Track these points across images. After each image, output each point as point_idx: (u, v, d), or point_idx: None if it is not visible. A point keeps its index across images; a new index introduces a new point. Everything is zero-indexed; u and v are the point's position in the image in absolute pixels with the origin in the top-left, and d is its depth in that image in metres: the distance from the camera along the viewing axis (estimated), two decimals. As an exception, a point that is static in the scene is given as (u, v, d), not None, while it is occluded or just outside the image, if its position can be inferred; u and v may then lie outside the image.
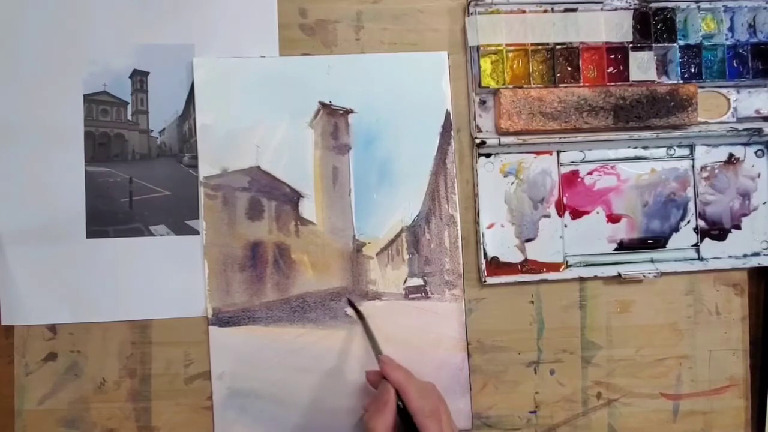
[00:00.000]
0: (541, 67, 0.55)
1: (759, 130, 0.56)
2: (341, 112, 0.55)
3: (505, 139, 0.54)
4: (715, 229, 0.57)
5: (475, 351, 0.55)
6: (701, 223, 0.57)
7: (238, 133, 0.54)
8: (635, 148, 0.57)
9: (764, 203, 0.58)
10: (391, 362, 0.47)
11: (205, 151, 0.54)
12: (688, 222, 0.57)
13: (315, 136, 0.55)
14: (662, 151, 0.57)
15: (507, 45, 0.55)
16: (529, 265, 0.56)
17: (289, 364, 0.53)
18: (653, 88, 0.55)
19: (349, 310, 0.54)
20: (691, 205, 0.57)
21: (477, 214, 0.55)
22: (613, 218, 0.57)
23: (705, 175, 0.57)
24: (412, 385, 0.45)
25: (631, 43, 0.56)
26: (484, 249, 0.55)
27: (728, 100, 0.57)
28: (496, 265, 0.55)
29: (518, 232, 0.56)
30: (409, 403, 0.44)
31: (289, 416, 0.53)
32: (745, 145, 0.58)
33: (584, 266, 0.56)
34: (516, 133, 0.55)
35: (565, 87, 0.55)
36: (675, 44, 0.56)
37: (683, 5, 0.56)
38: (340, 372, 0.53)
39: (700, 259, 0.57)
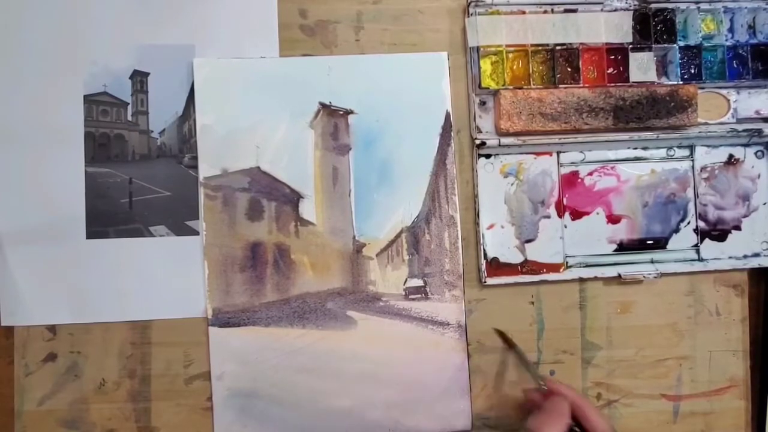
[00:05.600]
0: (541, 67, 0.55)
1: (759, 131, 0.56)
2: (341, 112, 0.55)
3: (505, 140, 0.54)
4: (715, 230, 0.57)
5: (475, 351, 0.55)
6: (701, 224, 0.57)
7: (238, 133, 0.54)
8: (635, 148, 0.57)
9: (764, 204, 0.58)
10: (560, 382, 0.48)
11: (205, 151, 0.54)
12: (688, 223, 0.57)
13: (315, 137, 0.55)
14: (662, 152, 0.57)
15: (507, 46, 0.55)
16: (529, 266, 0.56)
17: (289, 364, 0.53)
18: (653, 89, 0.55)
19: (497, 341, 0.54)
20: (691, 206, 0.57)
21: (477, 215, 0.55)
22: (613, 219, 0.57)
23: (705, 175, 0.57)
24: (590, 404, 0.45)
25: (630, 44, 0.56)
26: (484, 250, 0.55)
27: (728, 100, 0.57)
28: (496, 266, 0.55)
29: (518, 233, 0.56)
30: (589, 420, 0.44)
31: (289, 417, 0.53)
32: (745, 146, 0.58)
33: (584, 267, 0.56)
34: (516, 134, 0.55)
35: (565, 88, 0.55)
36: (675, 45, 0.56)
37: (683, 6, 0.56)
38: (340, 372, 0.53)
39: (700, 259, 0.57)
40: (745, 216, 0.58)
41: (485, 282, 0.55)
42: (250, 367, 0.53)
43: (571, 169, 0.57)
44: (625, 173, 0.57)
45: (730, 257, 0.57)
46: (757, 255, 0.57)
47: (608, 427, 0.44)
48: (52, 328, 0.53)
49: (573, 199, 0.57)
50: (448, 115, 0.55)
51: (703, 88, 0.57)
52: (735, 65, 0.57)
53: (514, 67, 0.55)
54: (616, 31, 0.55)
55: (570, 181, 0.56)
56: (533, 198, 0.56)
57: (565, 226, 0.56)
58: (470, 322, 0.55)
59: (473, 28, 0.54)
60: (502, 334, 0.54)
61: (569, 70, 0.55)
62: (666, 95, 0.55)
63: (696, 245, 0.57)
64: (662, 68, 0.57)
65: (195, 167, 0.54)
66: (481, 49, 0.54)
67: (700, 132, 0.56)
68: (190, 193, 0.54)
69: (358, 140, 0.55)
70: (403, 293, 0.55)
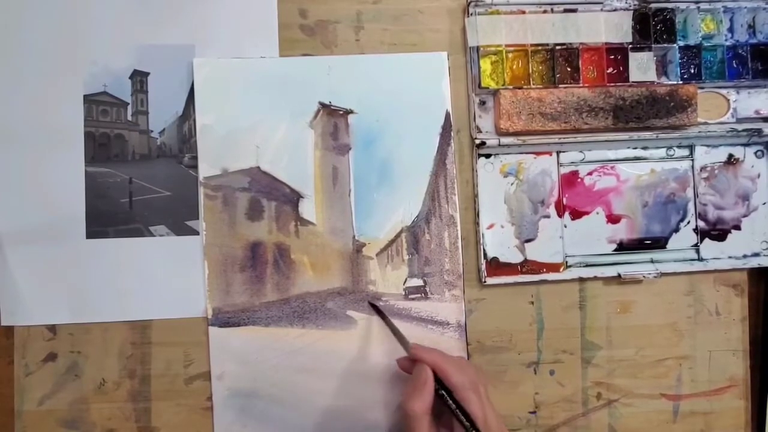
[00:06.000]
0: (540, 67, 0.56)
1: (759, 131, 0.56)
2: (341, 112, 0.55)
3: (504, 140, 0.54)
4: (715, 230, 0.57)
5: (475, 351, 0.55)
6: (701, 224, 0.57)
7: (238, 133, 0.54)
8: (635, 148, 0.57)
9: (764, 204, 0.58)
10: (421, 346, 0.47)
11: (205, 151, 0.54)
12: (688, 222, 0.57)
13: (315, 137, 0.55)
14: (662, 152, 0.57)
15: (507, 45, 0.55)
16: (528, 266, 0.56)
17: (289, 364, 0.53)
18: (653, 89, 0.55)
19: (369, 312, 0.54)
20: (690, 206, 0.57)
21: (477, 215, 0.55)
22: (612, 219, 0.57)
23: (705, 175, 0.58)
24: (449, 362, 0.45)
25: (630, 43, 0.56)
26: (483, 249, 0.55)
27: (728, 100, 0.57)
28: (496, 266, 0.55)
29: (518, 233, 0.56)
30: (449, 379, 0.44)
31: (289, 417, 0.53)
32: (745, 145, 0.58)
33: (584, 267, 0.56)
34: (516, 134, 0.55)
35: (565, 87, 0.55)
36: (674, 45, 0.56)
37: (683, 6, 0.56)
38: (340, 372, 0.53)
39: (700, 259, 0.57)
40: (745, 216, 0.58)
41: (485, 282, 0.55)
42: (250, 367, 0.53)
43: (570, 168, 0.57)
44: (625, 173, 0.57)
45: (730, 257, 0.57)
46: (756, 255, 0.57)
47: (468, 381, 0.44)
48: (52, 328, 0.53)
49: (573, 198, 0.57)
50: (448, 115, 0.55)
51: (702, 87, 0.57)
52: (735, 65, 0.57)
53: (514, 66, 0.55)
54: (615, 31, 0.55)
55: (570, 180, 0.57)
56: (533, 198, 0.56)
57: (565, 226, 0.56)
58: (470, 322, 0.55)
59: (473, 28, 0.54)
60: (373, 305, 0.54)
61: (569, 69, 0.55)
62: (666, 95, 0.55)
63: (696, 245, 0.57)
64: (662, 68, 0.57)
65: (195, 167, 0.54)
66: (481, 48, 0.54)
67: (699, 132, 0.56)
68: (190, 193, 0.54)
69: (358, 140, 0.55)
70: (403, 293, 0.55)
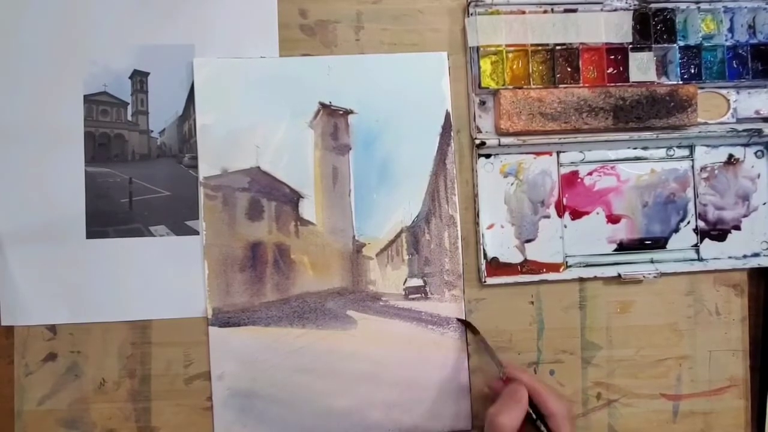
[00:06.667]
0: (540, 67, 0.56)
1: (759, 131, 0.56)
2: (341, 112, 0.55)
3: (504, 140, 0.54)
4: (715, 230, 0.57)
5: (475, 351, 0.55)
6: (701, 224, 0.57)
7: (238, 133, 0.54)
8: (635, 148, 0.57)
9: (764, 204, 0.58)
10: (517, 366, 0.48)
11: (205, 151, 0.54)
12: (688, 222, 0.57)
13: (315, 137, 0.55)
14: (662, 152, 0.57)
15: (507, 45, 0.55)
16: (528, 266, 0.56)
17: (289, 364, 0.53)
18: (653, 89, 0.55)
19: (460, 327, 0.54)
20: (690, 206, 0.57)
21: (477, 215, 0.55)
22: (612, 219, 0.57)
23: (705, 175, 0.57)
24: (547, 388, 0.45)
25: (630, 43, 0.56)
26: (483, 249, 0.55)
27: (728, 100, 0.57)
28: (496, 266, 0.55)
29: (518, 233, 0.56)
30: (547, 404, 0.44)
31: (289, 417, 0.53)
32: (745, 145, 0.58)
33: (584, 267, 0.56)
34: (516, 134, 0.55)
35: (565, 88, 0.55)
36: (675, 45, 0.56)
37: (683, 6, 0.56)
38: (340, 372, 0.53)
39: (700, 259, 0.57)
40: (745, 216, 0.58)
41: (485, 282, 0.55)
42: (250, 367, 0.53)
43: (570, 168, 0.57)
44: (625, 173, 0.57)
45: (730, 257, 0.57)
46: (756, 255, 0.57)
47: (565, 410, 0.44)
48: (52, 328, 0.53)
49: (573, 198, 0.57)
50: (448, 115, 0.55)
51: (702, 87, 0.57)
52: (735, 65, 0.57)
53: (514, 66, 0.55)
54: (615, 31, 0.55)
55: (570, 180, 0.57)
56: (533, 198, 0.56)
57: (565, 226, 0.56)
58: (470, 322, 0.55)
59: (473, 28, 0.54)
60: (467, 324, 0.54)
61: (569, 69, 0.55)
62: (666, 95, 0.55)
63: (696, 245, 0.57)
64: (662, 68, 0.57)
65: (195, 167, 0.54)
66: (481, 48, 0.54)
67: (699, 132, 0.56)
68: (190, 193, 0.54)
69: (358, 140, 0.55)
70: (403, 293, 0.55)
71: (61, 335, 0.53)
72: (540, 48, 0.55)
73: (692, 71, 0.57)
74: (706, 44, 0.56)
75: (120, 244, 0.53)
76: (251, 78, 0.54)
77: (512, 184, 0.56)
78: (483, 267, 0.55)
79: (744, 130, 0.56)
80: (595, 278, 0.56)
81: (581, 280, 0.56)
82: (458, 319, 0.54)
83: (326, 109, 0.55)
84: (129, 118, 0.55)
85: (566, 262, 0.56)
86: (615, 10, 0.56)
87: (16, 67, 0.53)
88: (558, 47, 0.55)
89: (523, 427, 0.44)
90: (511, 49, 0.55)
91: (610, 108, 0.55)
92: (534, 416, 0.45)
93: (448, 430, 0.54)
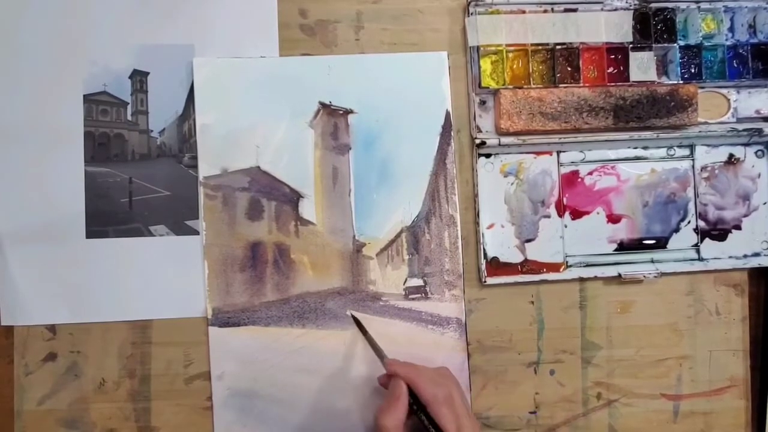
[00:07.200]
0: (541, 67, 0.55)
1: (759, 131, 0.56)
2: (341, 112, 0.55)
3: (505, 140, 0.54)
4: (716, 230, 0.57)
5: (475, 351, 0.55)
6: (701, 224, 0.57)
7: (238, 133, 0.54)
8: (635, 148, 0.57)
9: (764, 203, 0.58)
10: (397, 361, 0.47)
11: (205, 151, 0.54)
12: (689, 222, 0.57)
13: (315, 137, 0.55)
14: (662, 152, 0.57)
15: (507, 45, 0.55)
16: (529, 266, 0.56)
17: (288, 364, 0.53)
18: (653, 89, 0.55)
19: (351, 322, 0.54)
20: (691, 206, 0.57)
21: (477, 215, 0.55)
22: (613, 218, 0.57)
23: (705, 175, 0.57)
24: (423, 375, 0.45)
25: (631, 43, 0.56)
26: (484, 249, 0.55)
27: (728, 100, 0.57)
28: (496, 266, 0.55)
29: (518, 233, 0.56)
30: (422, 393, 0.44)
31: (289, 417, 0.53)
32: (745, 145, 0.58)
33: (584, 266, 0.56)
34: (516, 134, 0.55)
35: (565, 87, 0.55)
36: (675, 44, 0.56)
37: (683, 5, 0.56)
38: (340, 372, 0.53)
39: (701, 259, 0.57)
40: (746, 215, 0.58)
41: (485, 282, 0.54)
42: (250, 367, 0.53)
43: (571, 168, 0.56)
44: (625, 173, 0.57)
45: (730, 257, 0.57)
46: (757, 255, 0.57)
47: (441, 396, 0.44)
48: (52, 328, 0.53)
49: (573, 198, 0.56)
50: (448, 115, 0.55)
51: (703, 87, 0.56)
52: (735, 65, 0.57)
53: (514, 66, 0.55)
54: (616, 31, 0.55)
55: (570, 180, 0.56)
56: (533, 197, 0.56)
57: (565, 226, 0.56)
58: (470, 322, 0.55)
59: (473, 28, 0.54)
60: (355, 319, 0.53)
61: (569, 69, 0.55)
62: (666, 95, 0.55)
63: (696, 245, 0.57)
64: (662, 68, 0.57)
65: (195, 167, 0.54)
66: (481, 48, 0.54)
67: (700, 131, 0.56)
68: (190, 193, 0.54)
69: (358, 140, 0.55)
70: (403, 293, 0.55)
71: (61, 335, 0.53)
72: (540, 47, 0.55)
73: (692, 71, 0.56)
74: (706, 44, 0.56)
75: (120, 244, 0.53)
76: (251, 78, 0.54)
77: (512, 183, 0.56)
78: (483, 267, 0.55)
79: (744, 130, 0.56)
80: (596, 278, 0.56)
81: (581, 280, 0.56)
82: (350, 314, 0.54)
83: (326, 108, 0.55)
84: (129, 117, 0.55)
85: (566, 262, 0.56)
86: (615, 9, 0.55)
87: (16, 67, 0.53)
88: (558, 47, 0.55)
89: (409, 419, 0.44)
90: (512, 48, 0.55)
91: (611, 108, 0.55)
92: (415, 407, 0.44)
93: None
